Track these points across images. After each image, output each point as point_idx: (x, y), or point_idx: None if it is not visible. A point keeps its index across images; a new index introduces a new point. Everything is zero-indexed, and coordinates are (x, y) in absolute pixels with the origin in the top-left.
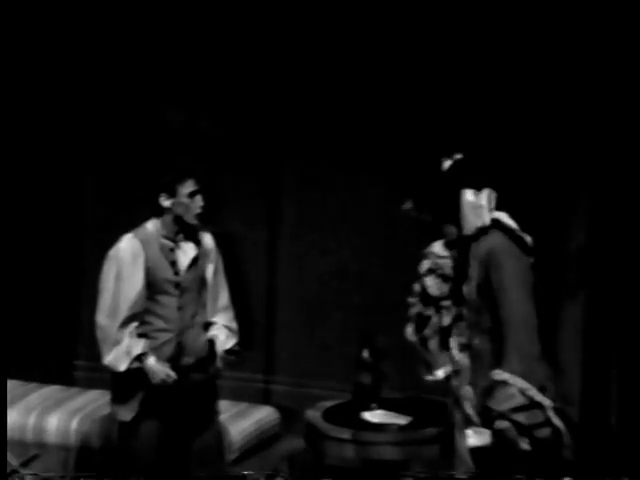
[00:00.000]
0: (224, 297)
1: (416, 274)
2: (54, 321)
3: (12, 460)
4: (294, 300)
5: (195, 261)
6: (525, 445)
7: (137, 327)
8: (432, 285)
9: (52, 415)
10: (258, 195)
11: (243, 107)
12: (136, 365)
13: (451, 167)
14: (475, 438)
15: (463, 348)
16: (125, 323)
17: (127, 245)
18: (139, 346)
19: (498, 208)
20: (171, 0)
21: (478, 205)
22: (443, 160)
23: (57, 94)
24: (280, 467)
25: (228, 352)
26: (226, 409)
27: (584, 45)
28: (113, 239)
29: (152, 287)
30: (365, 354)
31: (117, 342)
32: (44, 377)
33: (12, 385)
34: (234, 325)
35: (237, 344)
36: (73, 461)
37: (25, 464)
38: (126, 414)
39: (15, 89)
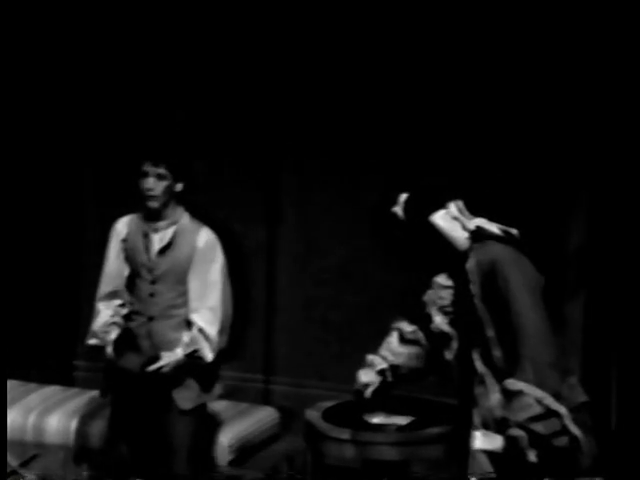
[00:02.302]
0: (212, 299)
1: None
2: (53, 321)
3: (12, 460)
4: (294, 300)
5: (165, 249)
6: (533, 457)
7: (122, 306)
8: (439, 320)
9: (52, 415)
10: (258, 195)
11: (243, 106)
12: (94, 341)
13: (406, 205)
14: (483, 441)
15: (486, 361)
16: (103, 298)
17: (117, 224)
18: (97, 322)
19: (493, 212)
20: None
21: (454, 220)
22: (395, 208)
23: (56, 90)
24: (279, 467)
25: (188, 356)
26: (226, 409)
27: (583, 44)
28: None
29: (132, 268)
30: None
31: (96, 316)
32: (44, 377)
33: (12, 385)
34: (212, 330)
35: (198, 351)
36: (73, 461)
37: (25, 464)
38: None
39: (14, 86)
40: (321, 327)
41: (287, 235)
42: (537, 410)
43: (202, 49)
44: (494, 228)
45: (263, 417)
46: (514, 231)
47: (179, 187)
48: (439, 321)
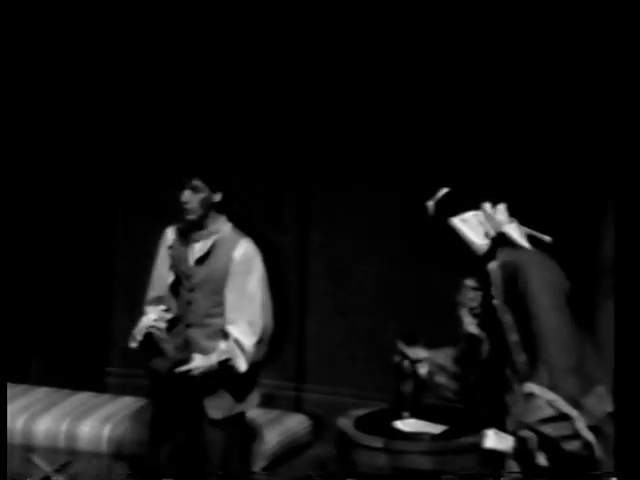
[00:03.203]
0: (250, 311)
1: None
2: (86, 328)
3: (45, 467)
4: (325, 307)
5: (203, 259)
6: (542, 460)
7: (167, 311)
8: (468, 322)
9: (84, 422)
10: (290, 203)
11: (275, 118)
12: (134, 345)
13: (440, 202)
14: (494, 440)
15: (511, 366)
16: (150, 302)
17: (166, 231)
18: (138, 326)
19: (521, 219)
20: (192, 14)
21: (475, 225)
22: (428, 204)
23: (83, 102)
24: (311, 475)
25: (221, 364)
26: (257, 417)
27: (612, 52)
28: (144, 246)
29: (176, 275)
30: (406, 362)
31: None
32: (76, 384)
33: (45, 392)
34: (248, 341)
35: (230, 360)
36: (105, 468)
37: (58, 471)
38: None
39: (43, 98)
40: (353, 335)
41: (319, 242)
42: (548, 412)
43: (230, 62)
44: (521, 235)
45: (295, 425)
46: (546, 238)
47: (217, 198)
48: (468, 323)
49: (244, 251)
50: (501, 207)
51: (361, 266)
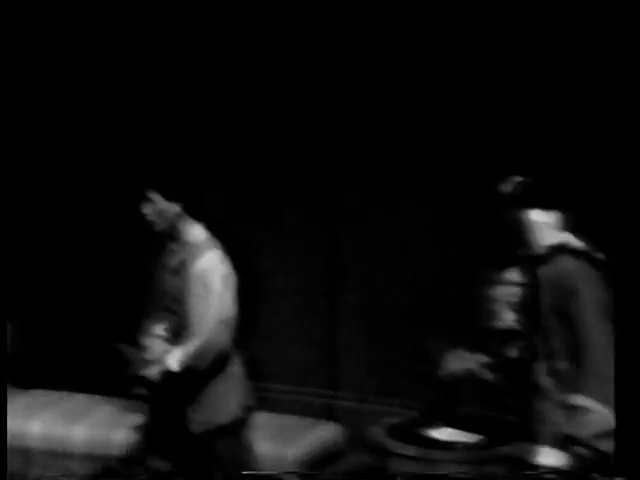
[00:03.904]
0: (198, 324)
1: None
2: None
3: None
4: (358, 315)
5: (175, 271)
6: (598, 476)
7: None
8: (508, 318)
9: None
10: (322, 209)
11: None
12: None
13: (515, 189)
14: (547, 457)
15: (551, 373)
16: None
17: None
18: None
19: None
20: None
21: (546, 224)
22: (503, 183)
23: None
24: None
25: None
26: (290, 425)
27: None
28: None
29: None
30: (441, 371)
31: None
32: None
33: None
34: (189, 351)
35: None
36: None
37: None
38: None
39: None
40: (385, 343)
41: (350, 251)
42: (602, 427)
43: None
44: (577, 245)
45: (327, 433)
46: (599, 254)
47: (176, 209)
48: (509, 319)
49: (204, 265)
50: (557, 214)
51: (393, 275)
